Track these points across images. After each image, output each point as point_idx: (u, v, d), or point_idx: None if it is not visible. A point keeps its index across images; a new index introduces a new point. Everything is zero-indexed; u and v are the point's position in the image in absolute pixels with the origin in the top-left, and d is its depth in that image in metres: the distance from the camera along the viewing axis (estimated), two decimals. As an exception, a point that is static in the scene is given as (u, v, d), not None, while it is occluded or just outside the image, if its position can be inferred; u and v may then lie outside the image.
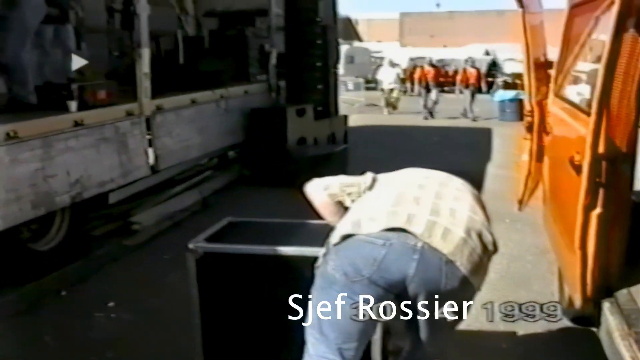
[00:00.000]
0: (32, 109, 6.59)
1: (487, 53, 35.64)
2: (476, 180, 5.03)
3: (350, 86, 30.45)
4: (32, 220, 6.13)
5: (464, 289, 3.01)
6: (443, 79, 24.74)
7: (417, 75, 24.30)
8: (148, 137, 7.66)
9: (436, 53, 31.23)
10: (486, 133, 16.77)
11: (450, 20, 55.41)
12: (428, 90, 21.88)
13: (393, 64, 24.56)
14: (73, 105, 6.66)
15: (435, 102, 21.74)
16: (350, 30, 48.80)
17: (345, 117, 13.31)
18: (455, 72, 25.03)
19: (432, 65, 23.04)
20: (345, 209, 3.40)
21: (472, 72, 21.76)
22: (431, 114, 21.44)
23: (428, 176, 3.42)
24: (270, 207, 8.27)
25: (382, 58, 32.52)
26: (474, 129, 18.50)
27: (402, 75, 26.28)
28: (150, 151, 7.69)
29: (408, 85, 28.85)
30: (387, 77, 23.09)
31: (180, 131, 8.40)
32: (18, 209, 5.74)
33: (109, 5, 9.23)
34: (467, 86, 21.34)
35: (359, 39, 50.14)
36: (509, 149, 12.41)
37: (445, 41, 45.67)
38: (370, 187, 3.39)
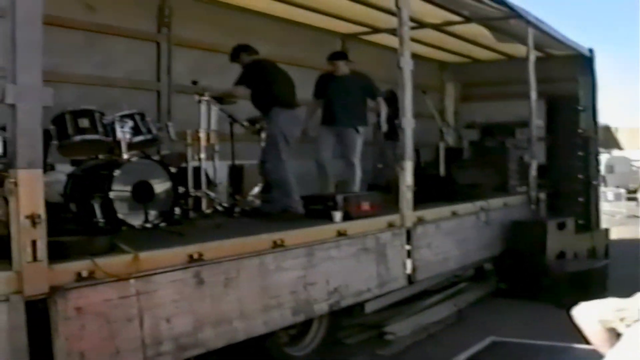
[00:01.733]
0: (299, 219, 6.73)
1: None
2: None
3: (610, 197, 28.71)
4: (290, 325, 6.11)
5: None
6: None
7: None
8: (407, 248, 7.46)
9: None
10: None
11: None
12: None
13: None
14: (338, 215, 6.69)
15: None
16: (610, 139, 46.60)
17: (607, 230, 12.44)
18: None
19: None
20: (618, 335, 2.91)
21: None
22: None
23: None
24: (529, 324, 7.75)
25: (644, 167, 30.61)
26: None
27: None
28: (409, 262, 7.47)
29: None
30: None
31: (439, 243, 8.14)
32: (279, 314, 5.72)
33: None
34: None
35: (619, 148, 47.71)
36: None
37: None
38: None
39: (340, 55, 9.18)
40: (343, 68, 8.95)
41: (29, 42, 4.04)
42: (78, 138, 6.33)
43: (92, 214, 6.11)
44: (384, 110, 9.11)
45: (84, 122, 6.33)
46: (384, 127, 9.07)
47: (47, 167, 5.77)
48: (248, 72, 7.50)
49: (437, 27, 11.72)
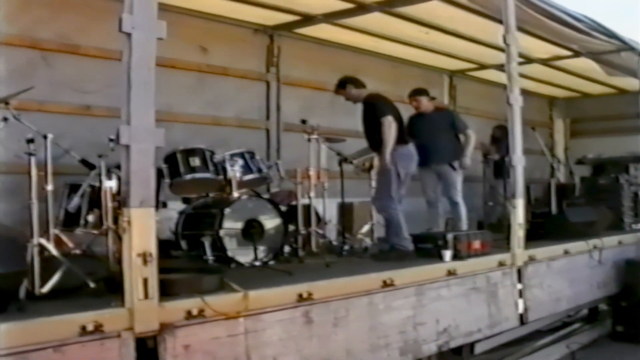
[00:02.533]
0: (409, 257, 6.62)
1: None
2: None
3: None
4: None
5: None
6: None
7: None
8: (519, 287, 7.15)
9: None
10: None
11: None
12: None
13: None
14: (448, 254, 6.51)
15: None
16: None
17: None
18: None
19: None
20: None
21: None
22: None
23: None
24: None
25: None
26: None
27: None
28: (520, 302, 7.15)
29: None
30: None
31: (550, 282, 7.78)
32: (387, 354, 5.56)
33: (484, 154, 9.12)
34: None
35: None
36: None
37: None
38: None
39: (422, 91, 8.92)
40: (426, 104, 8.75)
41: (143, 84, 4.09)
42: (189, 177, 6.41)
43: (202, 251, 6.13)
44: (471, 143, 8.78)
45: (195, 161, 6.41)
46: (467, 161, 8.71)
47: (159, 205, 5.83)
48: (369, 107, 7.36)
49: (546, 62, 11.42)
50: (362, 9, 8.65)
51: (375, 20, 9.00)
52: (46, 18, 7.42)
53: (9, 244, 4.17)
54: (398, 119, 7.15)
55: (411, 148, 7.30)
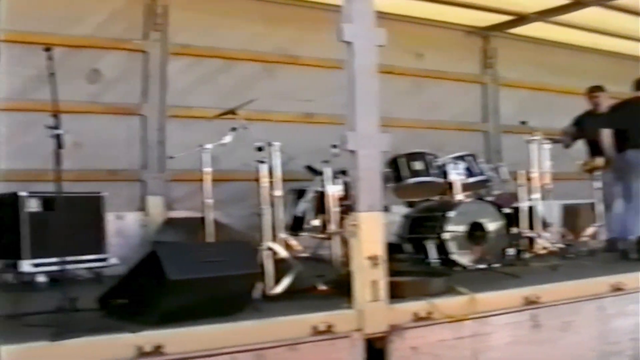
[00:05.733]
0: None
1: None
2: None
3: None
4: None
5: None
6: None
7: None
8: None
9: None
10: None
11: None
12: None
13: None
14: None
15: None
16: None
17: None
18: None
19: None
20: None
21: None
22: None
23: None
24: None
25: None
26: None
27: None
28: None
29: None
30: None
31: None
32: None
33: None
34: None
35: None
36: None
37: None
38: None
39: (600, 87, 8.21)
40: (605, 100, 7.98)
41: (366, 91, 4.18)
42: (412, 180, 6.44)
43: (425, 254, 6.15)
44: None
45: (418, 165, 6.43)
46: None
47: (383, 209, 5.91)
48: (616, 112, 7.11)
49: None
50: (578, 5, 8.32)
51: (593, 15, 8.62)
52: (265, 32, 7.82)
53: (242, 247, 4.39)
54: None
55: None
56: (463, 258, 6.16)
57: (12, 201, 5.78)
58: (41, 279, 5.62)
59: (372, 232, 4.08)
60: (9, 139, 6.47)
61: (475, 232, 6.27)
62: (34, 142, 6.04)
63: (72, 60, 6.69)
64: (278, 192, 5.15)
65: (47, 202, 5.75)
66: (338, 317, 4.00)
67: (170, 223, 7.06)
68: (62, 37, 6.64)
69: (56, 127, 3.94)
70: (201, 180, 5.53)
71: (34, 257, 5.64)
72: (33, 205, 5.78)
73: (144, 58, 7.33)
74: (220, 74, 7.63)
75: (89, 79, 7.03)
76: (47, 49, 4.04)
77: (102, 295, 4.12)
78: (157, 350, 3.40)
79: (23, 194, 5.77)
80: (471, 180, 6.70)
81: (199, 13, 7.46)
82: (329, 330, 3.92)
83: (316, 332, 3.89)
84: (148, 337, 3.41)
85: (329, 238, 5.55)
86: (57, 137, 3.94)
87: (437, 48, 8.85)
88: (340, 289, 4.48)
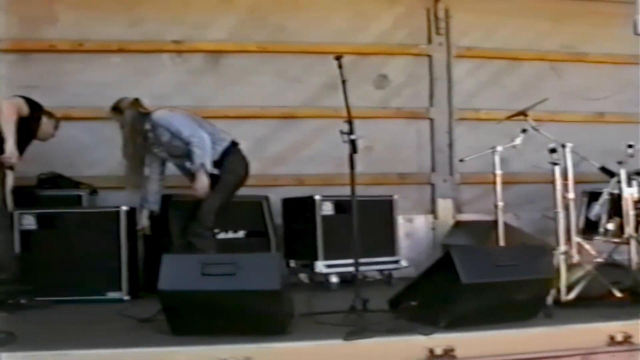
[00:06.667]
0: None
1: None
2: None
3: None
4: None
5: None
6: None
7: None
8: None
9: None
10: None
11: None
12: None
13: None
14: None
15: None
16: None
17: None
18: None
19: None
20: None
21: None
22: None
23: None
24: None
25: None
26: None
27: None
28: None
29: None
30: None
31: None
32: None
33: None
34: None
35: None
36: None
37: None
38: None
39: None
40: None
41: None
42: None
43: None
44: None
45: None
46: None
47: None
48: None
49: None
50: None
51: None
52: (551, 30, 7.63)
53: (536, 251, 4.34)
54: None
55: None
56: None
57: (309, 205, 6.22)
58: (334, 279, 6.01)
59: None
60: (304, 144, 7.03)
61: None
62: (325, 148, 6.52)
63: (360, 67, 7.04)
64: (571, 195, 5.02)
65: (340, 205, 6.14)
66: (637, 327, 3.82)
67: (459, 226, 7.15)
68: (351, 46, 7.01)
69: (351, 133, 4.20)
70: (490, 183, 5.54)
71: (327, 258, 6.05)
72: (327, 209, 6.20)
73: (428, 62, 7.50)
74: (505, 75, 7.57)
75: (377, 85, 7.36)
76: (338, 58, 4.31)
77: (393, 297, 4.30)
78: (448, 353, 3.49)
79: (318, 197, 6.20)
80: None
81: (481, 14, 7.48)
82: (626, 340, 3.77)
83: (613, 342, 3.76)
84: (439, 340, 3.51)
85: (625, 243, 5.28)
86: (352, 142, 4.20)
87: None
88: (638, 297, 4.27)
